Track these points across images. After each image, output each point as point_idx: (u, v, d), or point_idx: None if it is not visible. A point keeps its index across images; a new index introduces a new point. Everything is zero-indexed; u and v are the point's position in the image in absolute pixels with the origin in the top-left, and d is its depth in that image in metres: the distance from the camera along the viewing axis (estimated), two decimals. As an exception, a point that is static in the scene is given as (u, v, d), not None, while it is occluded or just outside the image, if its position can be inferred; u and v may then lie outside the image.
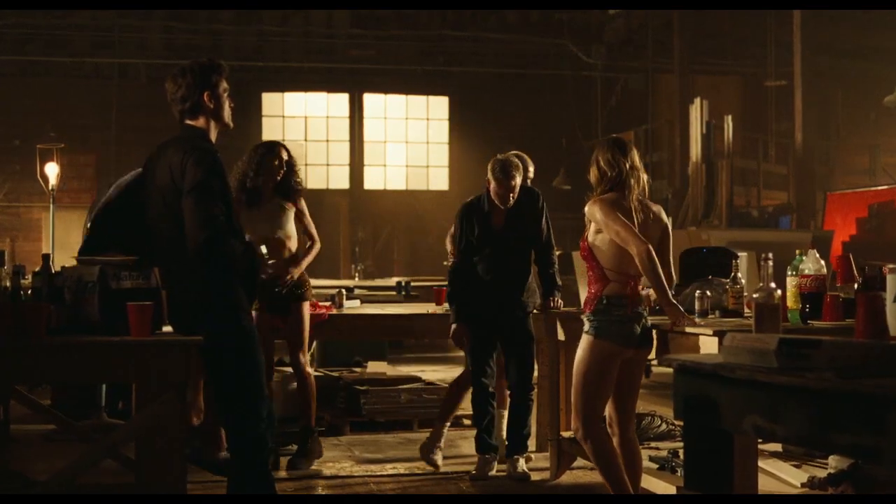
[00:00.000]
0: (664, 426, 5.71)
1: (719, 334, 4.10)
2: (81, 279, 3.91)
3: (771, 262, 3.67)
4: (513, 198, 5.83)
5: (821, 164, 15.78)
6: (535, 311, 6.07)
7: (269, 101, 18.05)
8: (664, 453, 5.15)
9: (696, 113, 14.29)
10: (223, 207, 3.87)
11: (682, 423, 3.04)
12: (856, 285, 4.54)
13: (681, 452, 5.00)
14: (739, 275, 4.90)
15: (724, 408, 2.74)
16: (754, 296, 3.46)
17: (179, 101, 4.06)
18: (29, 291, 4.00)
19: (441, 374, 10.51)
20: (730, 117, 14.68)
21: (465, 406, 6.51)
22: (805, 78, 13.72)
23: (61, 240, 12.89)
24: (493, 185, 5.84)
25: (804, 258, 4.37)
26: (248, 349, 4.00)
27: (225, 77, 4.13)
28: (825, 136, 17.00)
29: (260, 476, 4.04)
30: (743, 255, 5.66)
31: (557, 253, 6.25)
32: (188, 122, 4.08)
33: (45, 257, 4.18)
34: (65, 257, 7.47)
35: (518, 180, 5.81)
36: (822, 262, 4.36)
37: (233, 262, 3.89)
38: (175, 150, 3.97)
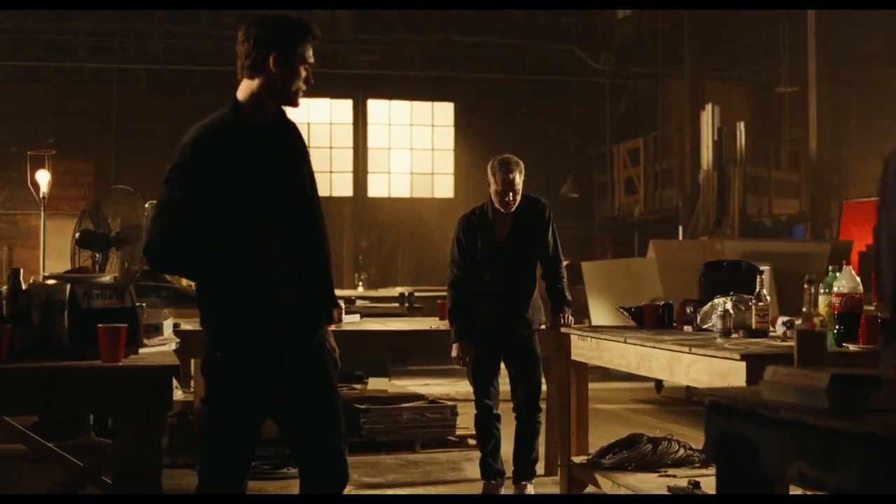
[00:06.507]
0: (682, 451, 5.35)
1: (747, 358, 3.77)
2: (50, 298, 3.58)
3: (817, 286, 3.32)
4: (513, 196, 5.50)
5: (833, 172, 15.46)
6: (542, 327, 5.76)
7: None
8: (683, 482, 4.80)
9: (708, 119, 13.96)
10: (180, 203, 3.18)
11: (713, 466, 2.70)
12: None
13: (702, 483, 4.67)
14: (764, 291, 4.56)
15: (765, 452, 2.39)
16: (796, 322, 3.11)
17: (243, 55, 3.29)
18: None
19: (446, 388, 10.24)
20: (742, 124, 14.34)
21: (472, 425, 6.18)
22: (819, 84, 13.39)
23: (59, 248, 12.59)
24: (492, 185, 5.53)
25: (838, 275, 4.02)
26: (211, 394, 3.34)
27: (311, 46, 3.33)
28: (838, 143, 16.67)
29: None
30: (765, 268, 5.31)
31: (565, 263, 5.94)
32: (244, 81, 3.32)
33: (15, 273, 3.85)
34: (60, 266, 7.15)
35: (518, 178, 5.49)
36: (858, 280, 4.02)
37: (188, 272, 3.28)
38: None
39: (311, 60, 3.34)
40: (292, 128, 3.49)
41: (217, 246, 3.23)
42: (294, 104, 3.38)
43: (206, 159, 3.22)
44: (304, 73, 3.32)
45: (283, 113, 3.44)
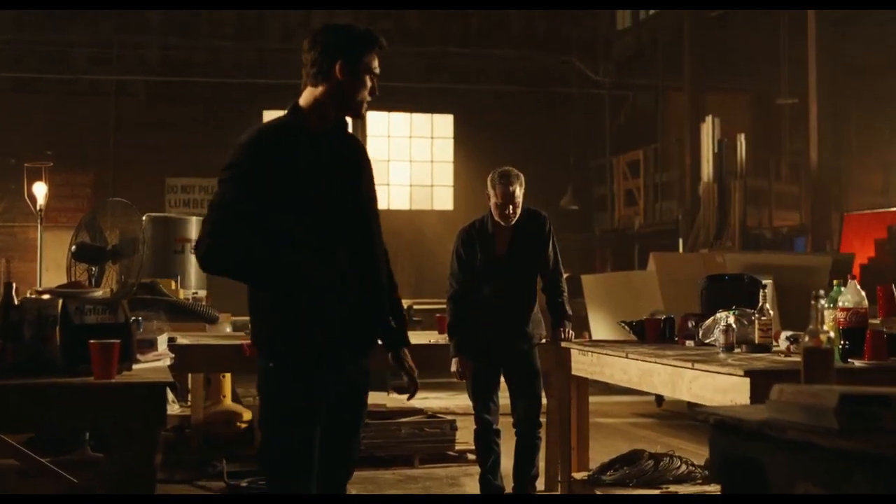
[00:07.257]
0: (684, 467, 5.29)
1: (751, 374, 3.71)
2: (42, 313, 3.52)
3: (823, 301, 3.26)
4: (514, 209, 5.45)
5: (833, 183, 15.42)
6: (542, 341, 5.70)
7: (270, 118, 17.68)
8: (685, 499, 4.74)
9: (708, 131, 13.92)
10: (231, 204, 3.13)
11: (718, 485, 2.64)
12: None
13: (704, 499, 4.61)
14: (767, 305, 4.50)
15: (772, 473, 2.33)
16: (804, 338, 3.05)
17: (308, 63, 3.29)
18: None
19: (445, 402, 10.15)
20: (742, 135, 14.30)
21: (471, 440, 6.12)
22: (819, 94, 13.35)
23: (58, 261, 12.52)
24: (492, 197, 5.48)
25: (843, 289, 3.97)
26: (270, 398, 3.26)
27: (377, 56, 3.36)
28: (838, 153, 16.63)
29: None
30: (767, 282, 5.25)
31: (565, 276, 5.87)
32: (308, 88, 3.31)
33: (7, 287, 3.78)
34: (58, 279, 7.10)
35: (518, 190, 5.46)
36: (863, 294, 3.96)
37: (234, 275, 3.18)
38: None
39: (377, 71, 3.35)
40: (354, 139, 3.48)
41: (264, 249, 3.16)
42: (358, 114, 3.36)
43: (260, 161, 3.18)
44: (369, 84, 3.33)
45: (345, 123, 3.42)
